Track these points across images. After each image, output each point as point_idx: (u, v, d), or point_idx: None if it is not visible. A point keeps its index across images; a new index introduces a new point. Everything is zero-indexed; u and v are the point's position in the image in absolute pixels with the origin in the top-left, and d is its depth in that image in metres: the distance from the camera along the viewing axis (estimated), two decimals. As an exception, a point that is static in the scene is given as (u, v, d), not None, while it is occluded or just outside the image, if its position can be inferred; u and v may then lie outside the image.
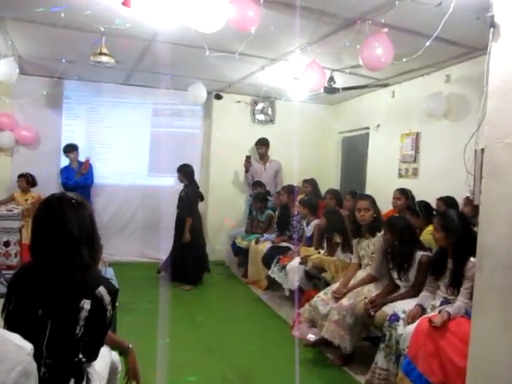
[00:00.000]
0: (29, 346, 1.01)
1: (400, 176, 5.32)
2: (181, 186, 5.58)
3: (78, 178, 5.84)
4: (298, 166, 6.18)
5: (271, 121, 6.91)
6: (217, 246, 6.67)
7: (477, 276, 1.94)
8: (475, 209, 2.56)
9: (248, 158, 6.48)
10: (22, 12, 3.52)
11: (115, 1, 3.00)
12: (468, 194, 3.41)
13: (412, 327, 2.72)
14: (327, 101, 6.76)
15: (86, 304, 1.54)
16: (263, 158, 6.60)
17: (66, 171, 5.93)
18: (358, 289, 3.43)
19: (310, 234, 4.88)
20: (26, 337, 1.04)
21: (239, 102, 6.71)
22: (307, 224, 4.99)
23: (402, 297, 3.15)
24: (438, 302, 2.89)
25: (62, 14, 3.38)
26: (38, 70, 5.53)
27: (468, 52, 4.05)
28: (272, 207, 6.07)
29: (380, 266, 3.43)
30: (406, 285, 3.21)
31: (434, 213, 3.79)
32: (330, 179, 6.82)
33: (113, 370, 1.98)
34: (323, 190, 5.73)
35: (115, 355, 2.02)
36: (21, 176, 5.54)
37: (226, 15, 2.94)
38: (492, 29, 1.86)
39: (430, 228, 3.38)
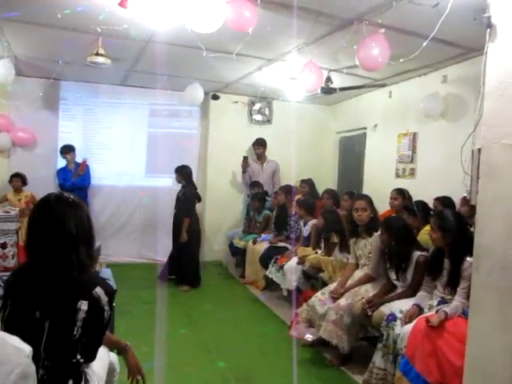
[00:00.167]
0: (27, 349, 1.02)
1: (397, 176, 5.33)
2: (178, 187, 5.58)
3: (75, 179, 5.83)
4: (295, 166, 6.18)
5: (268, 121, 6.91)
6: (214, 247, 6.67)
7: (474, 276, 1.94)
8: (472, 209, 2.58)
9: (245, 158, 6.48)
10: (18, 13, 3.51)
11: (112, 1, 3.00)
12: (465, 194, 3.42)
13: (409, 327, 2.72)
14: (324, 101, 6.76)
15: (84, 305, 1.54)
16: (260, 158, 6.60)
17: (62, 172, 5.91)
18: (355, 289, 3.43)
19: (308, 233, 4.88)
20: (23, 339, 1.05)
21: (236, 102, 6.71)
22: (305, 224, 4.99)
23: (399, 297, 3.15)
24: (435, 302, 2.90)
25: (59, 15, 3.38)
26: (34, 71, 5.51)
27: (465, 52, 4.07)
28: (269, 207, 6.07)
29: (377, 266, 3.44)
30: (403, 285, 3.22)
31: (431, 213, 3.80)
32: (327, 179, 6.83)
33: (111, 371, 1.98)
34: (321, 189, 5.73)
35: (113, 356, 2.02)
36: (15, 176, 5.47)
37: (223, 16, 2.95)
38: (489, 29, 1.86)
39: (427, 228, 3.39)
